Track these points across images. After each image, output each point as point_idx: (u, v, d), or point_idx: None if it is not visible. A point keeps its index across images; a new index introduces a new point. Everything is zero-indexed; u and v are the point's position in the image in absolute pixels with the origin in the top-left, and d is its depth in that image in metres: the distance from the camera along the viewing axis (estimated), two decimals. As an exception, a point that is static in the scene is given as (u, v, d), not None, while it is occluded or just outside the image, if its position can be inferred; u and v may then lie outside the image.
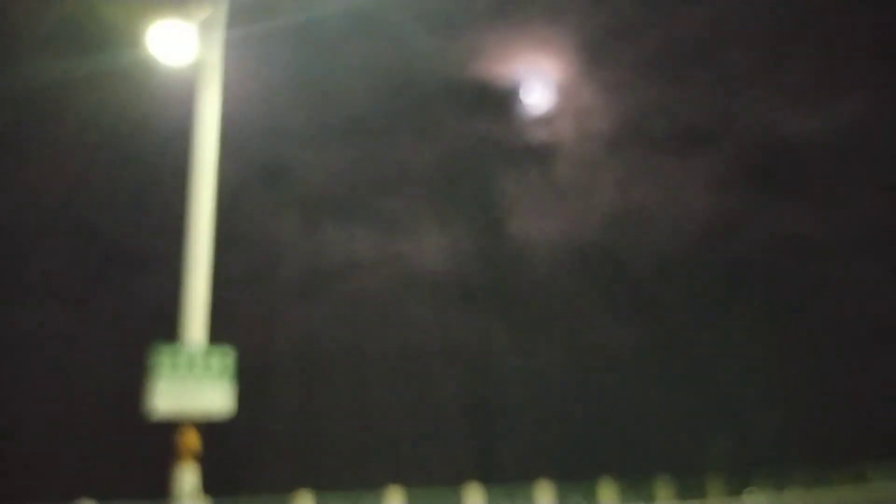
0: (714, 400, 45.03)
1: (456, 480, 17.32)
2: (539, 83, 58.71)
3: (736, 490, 21.74)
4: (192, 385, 8.91)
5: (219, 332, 9.71)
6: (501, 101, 60.30)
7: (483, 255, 56.13)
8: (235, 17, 11.63)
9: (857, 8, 56.25)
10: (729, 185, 65.65)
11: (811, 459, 25.74)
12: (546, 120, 60.77)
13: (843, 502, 22.82)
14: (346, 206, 55.12)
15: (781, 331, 50.06)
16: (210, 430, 9.16)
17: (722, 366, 47.47)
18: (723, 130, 63.89)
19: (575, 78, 59.76)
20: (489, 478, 18.32)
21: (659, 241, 58.68)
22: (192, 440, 8.78)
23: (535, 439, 42.21)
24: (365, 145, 55.51)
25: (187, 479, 8.59)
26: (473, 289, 54.13)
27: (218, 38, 10.75)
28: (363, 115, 53.31)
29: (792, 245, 58.74)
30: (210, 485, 9.32)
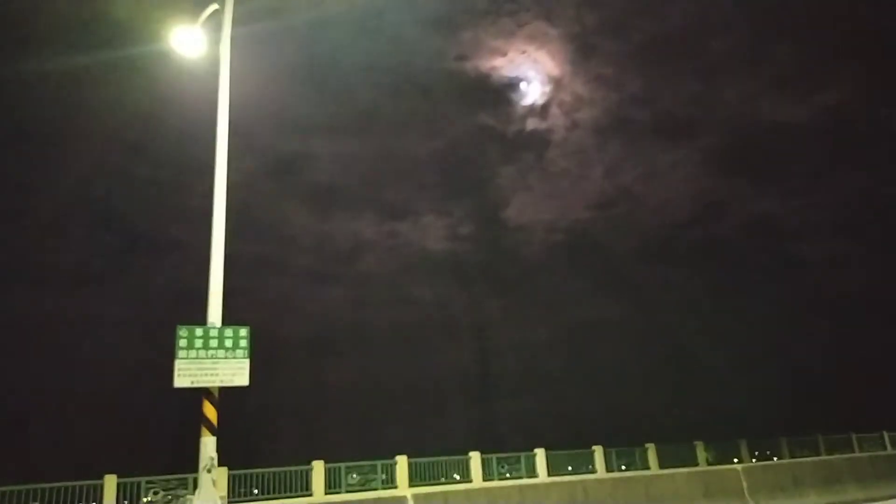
0: (697, 372, 45.16)
1: (459, 449, 17.37)
2: (534, 76, 58.34)
3: (722, 458, 21.77)
4: (211, 361, 8.92)
5: (236, 312, 9.69)
6: (498, 93, 60.04)
7: (481, 238, 56.08)
8: (245, 16, 11.49)
9: (835, 1, 55.79)
10: (712, 170, 65.50)
11: (793, 428, 25.77)
12: (539, 111, 60.45)
13: (828, 470, 22.81)
14: (354, 194, 55.03)
15: (761, 307, 50.13)
16: (228, 403, 9.17)
17: (704, 340, 47.57)
18: (705, 119, 63.71)
19: (567, 70, 59.38)
20: (489, 446, 18.37)
21: (646, 224, 58.67)
22: (211, 413, 8.78)
23: (531, 410, 42.32)
24: (371, 137, 55.33)
25: (207, 451, 8.59)
26: (473, 269, 54.14)
27: (227, 35, 10.62)
28: (369, 109, 53.10)
29: (770, 226, 58.78)
30: (228, 456, 9.33)
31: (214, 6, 10.79)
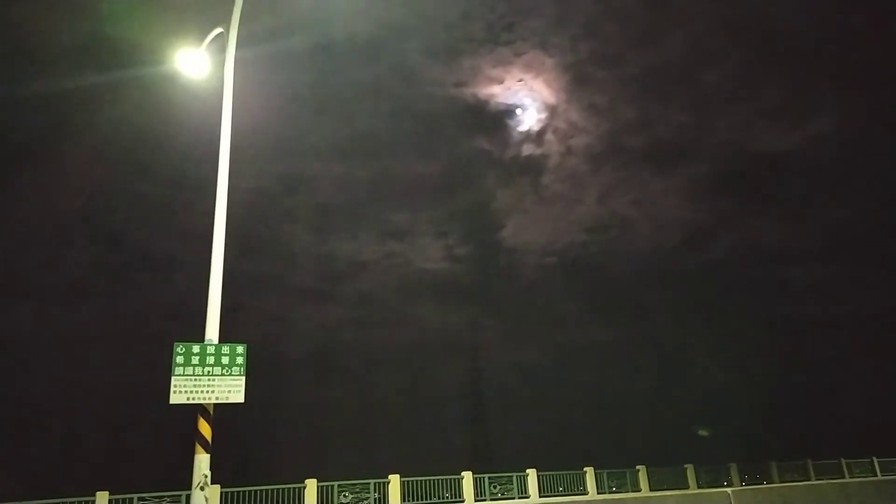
0: (689, 395, 44.94)
1: (452, 469, 17.19)
2: (530, 103, 58.86)
3: (712, 481, 21.56)
4: (208, 378, 8.84)
5: (236, 329, 9.61)
6: (495, 119, 60.53)
7: (477, 259, 56.12)
8: (249, 39, 11.57)
9: (825, 35, 56.59)
10: (703, 196, 65.82)
11: (783, 452, 25.53)
12: (536, 137, 60.89)
13: (817, 495, 22.60)
14: (353, 214, 55.11)
15: (752, 330, 50.08)
16: (224, 420, 9.07)
17: (696, 363, 47.41)
18: (698, 146, 64.19)
19: (562, 98, 59.93)
20: (482, 465, 18.20)
21: (638, 248, 58.85)
22: (205, 430, 8.67)
23: (523, 430, 41.97)
24: (371, 160, 55.59)
25: (200, 468, 8.46)
26: (469, 289, 54.09)
27: (231, 57, 10.67)
28: (369, 132, 53.43)
29: (758, 251, 59.00)
30: (222, 473, 9.19)
31: (219, 29, 10.86)
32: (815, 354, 47.58)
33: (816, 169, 59.12)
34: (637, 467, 20.36)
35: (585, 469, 19.20)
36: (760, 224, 61.22)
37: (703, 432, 37.55)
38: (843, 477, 24.82)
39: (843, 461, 25.32)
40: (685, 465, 21.27)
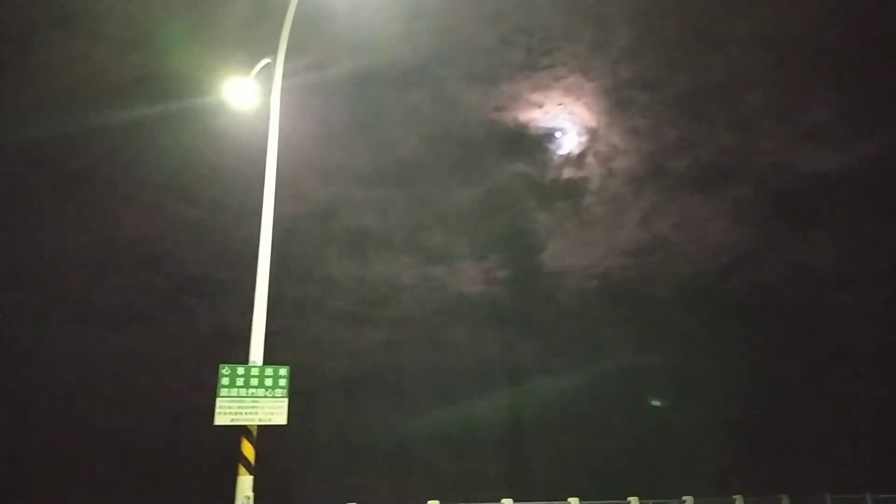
0: (735, 424, 43.60)
1: (491, 496, 16.99)
2: (570, 127, 58.92)
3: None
4: (251, 400, 8.99)
5: (276, 351, 9.77)
6: (536, 143, 60.64)
7: (516, 282, 55.91)
8: (295, 69, 11.93)
9: (871, 52, 55.33)
10: (748, 219, 64.39)
11: (849, 485, 24.22)
12: (577, 160, 60.82)
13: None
14: (392, 239, 55.64)
15: (799, 357, 48.48)
16: (267, 442, 9.18)
17: (742, 391, 46.05)
18: (743, 168, 62.96)
19: (603, 122, 59.75)
20: (520, 493, 17.93)
21: (681, 272, 57.76)
22: (249, 452, 8.80)
23: (564, 456, 41.29)
24: (410, 185, 56.19)
25: (243, 490, 8.58)
26: (508, 313, 53.83)
27: (278, 87, 11.01)
28: (409, 157, 54.08)
29: (808, 275, 57.23)
30: (264, 494, 9.29)
31: (266, 60, 11.23)
32: (861, 385, 45.79)
33: (867, 190, 57.41)
34: (684, 498, 19.78)
35: (630, 499, 18.75)
36: (809, 247, 59.53)
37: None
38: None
39: (868, 496, 23.63)
40: (734, 497, 20.60)
